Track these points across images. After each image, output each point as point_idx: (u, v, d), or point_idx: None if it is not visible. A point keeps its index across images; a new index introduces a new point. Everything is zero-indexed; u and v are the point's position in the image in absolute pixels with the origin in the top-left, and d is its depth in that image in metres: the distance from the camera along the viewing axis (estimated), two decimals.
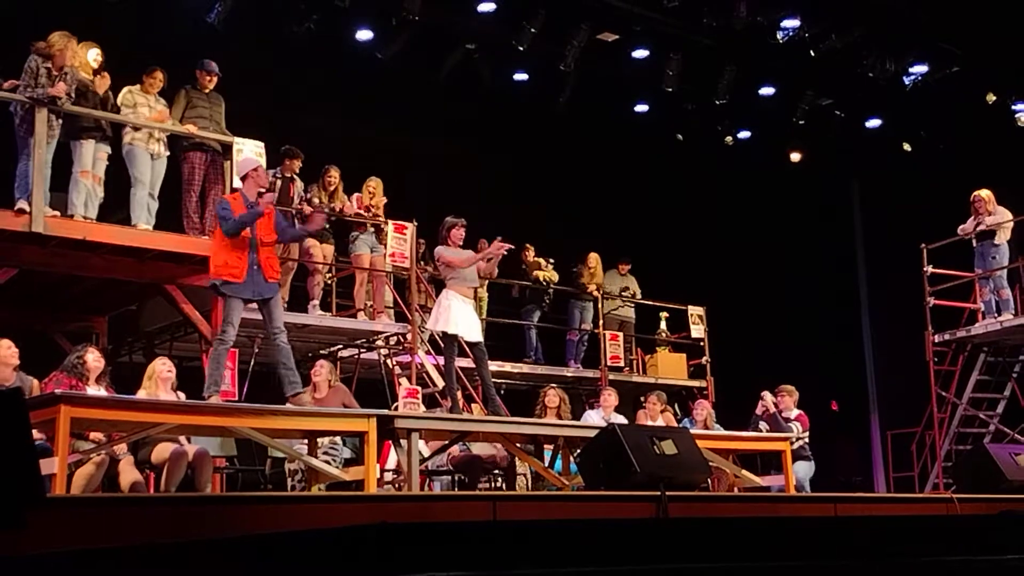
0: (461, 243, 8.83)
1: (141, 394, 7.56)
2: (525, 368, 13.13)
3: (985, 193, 11.94)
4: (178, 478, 7.29)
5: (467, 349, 8.93)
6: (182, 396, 7.76)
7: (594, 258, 13.90)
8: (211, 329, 9.02)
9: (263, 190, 7.83)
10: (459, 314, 8.53)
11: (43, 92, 8.17)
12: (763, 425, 10.13)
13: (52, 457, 6.02)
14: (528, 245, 13.72)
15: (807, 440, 10.18)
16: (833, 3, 12.96)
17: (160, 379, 7.63)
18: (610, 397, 10.48)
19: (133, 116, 8.96)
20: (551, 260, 13.83)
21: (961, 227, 12.09)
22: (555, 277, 13.69)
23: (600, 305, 13.75)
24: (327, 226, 11.03)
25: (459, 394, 9.15)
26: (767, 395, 10.26)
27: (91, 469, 6.99)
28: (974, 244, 12.07)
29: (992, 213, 11.85)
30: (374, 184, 11.34)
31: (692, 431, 9.23)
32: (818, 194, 17.05)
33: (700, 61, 13.87)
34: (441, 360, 11.14)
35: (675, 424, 10.92)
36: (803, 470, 10.02)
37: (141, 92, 9.11)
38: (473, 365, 9.16)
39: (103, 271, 8.86)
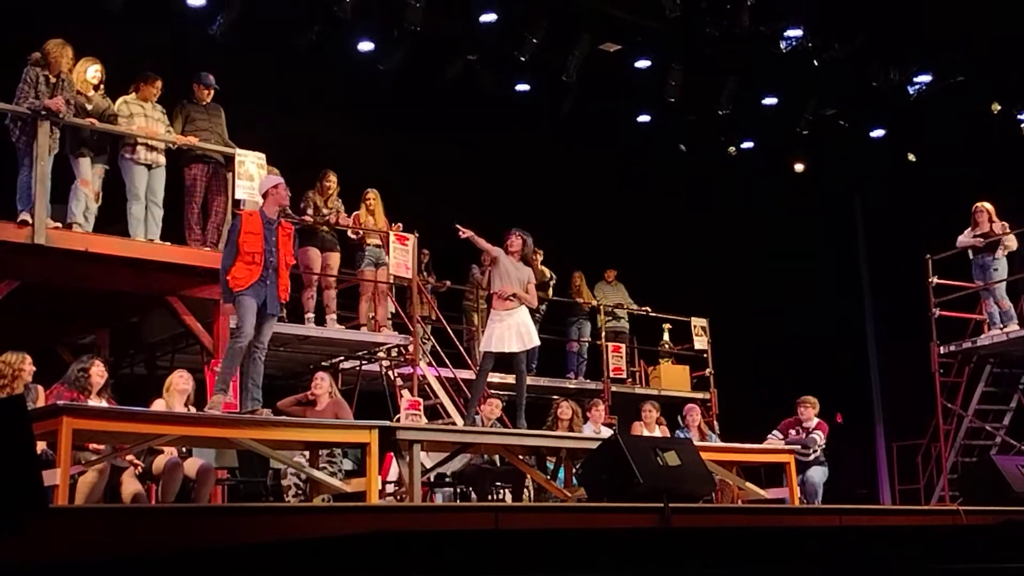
0: (515, 250, 8.82)
1: (159, 404, 7.59)
2: (527, 379, 13.05)
3: (989, 205, 11.90)
4: (174, 490, 7.29)
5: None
6: (193, 411, 7.79)
7: (578, 276, 14.04)
8: (212, 340, 9.01)
9: (284, 207, 7.87)
10: (497, 331, 8.64)
11: (40, 104, 8.17)
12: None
13: (54, 468, 5.99)
14: (537, 253, 13.66)
15: (824, 446, 10.25)
16: (836, 12, 12.96)
17: (176, 391, 7.67)
18: (595, 411, 10.52)
19: (132, 127, 8.94)
20: (554, 276, 13.68)
21: (964, 240, 12.01)
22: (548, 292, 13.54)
23: (600, 317, 13.74)
24: (332, 234, 10.98)
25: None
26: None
27: (93, 477, 6.99)
28: (971, 256, 12.01)
29: (994, 226, 11.79)
30: (372, 196, 11.28)
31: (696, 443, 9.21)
32: (821, 204, 17.03)
33: (702, 71, 13.87)
34: (442, 372, 11.18)
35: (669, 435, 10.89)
36: (818, 475, 10.12)
37: (137, 101, 9.08)
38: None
39: (105, 283, 8.84)
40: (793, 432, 10.26)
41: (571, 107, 14.21)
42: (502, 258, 8.73)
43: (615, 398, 13.10)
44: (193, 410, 7.73)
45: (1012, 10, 12.33)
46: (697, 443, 9.75)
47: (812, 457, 10.14)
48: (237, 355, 7.36)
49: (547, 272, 13.34)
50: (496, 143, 14.18)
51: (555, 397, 10.48)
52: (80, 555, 4.01)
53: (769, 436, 10.31)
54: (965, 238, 12.00)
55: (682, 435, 10.40)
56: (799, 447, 9.95)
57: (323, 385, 8.84)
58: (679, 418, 10.97)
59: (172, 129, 9.23)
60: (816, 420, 10.31)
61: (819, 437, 10.18)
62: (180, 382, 7.73)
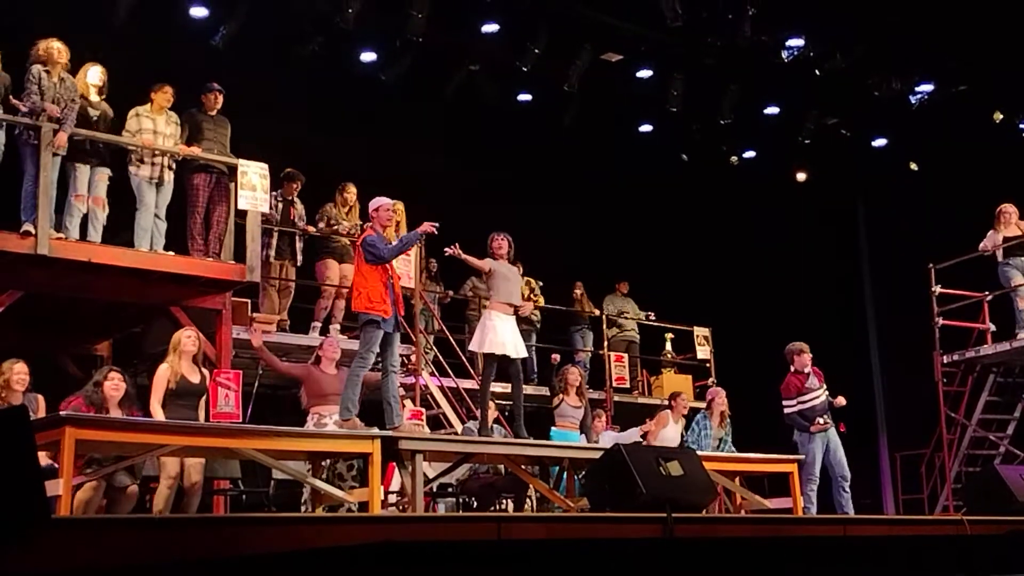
0: (503, 253, 8.74)
1: (164, 367, 7.60)
2: (529, 389, 13.03)
3: (1014, 207, 11.78)
4: (170, 497, 7.37)
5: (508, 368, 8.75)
6: (206, 373, 7.81)
7: (579, 286, 14.11)
8: (215, 351, 9.00)
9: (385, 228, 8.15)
10: (500, 333, 8.44)
11: (40, 103, 8.19)
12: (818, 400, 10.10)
13: (57, 479, 5.99)
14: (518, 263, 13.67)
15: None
16: (837, 22, 12.98)
17: (184, 351, 7.64)
18: (596, 422, 10.48)
19: (138, 141, 8.97)
20: (540, 283, 13.64)
21: (989, 242, 11.75)
22: (540, 301, 13.45)
23: (604, 327, 13.73)
24: (350, 245, 11.01)
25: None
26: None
27: (89, 493, 6.97)
28: (1000, 258, 11.74)
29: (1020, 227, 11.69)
30: (399, 208, 11.32)
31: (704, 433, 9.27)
32: (824, 213, 17.02)
33: (704, 81, 13.90)
34: (445, 382, 11.16)
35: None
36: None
37: (149, 114, 9.11)
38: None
39: (108, 293, 8.84)
40: (809, 386, 10.03)
41: (573, 117, 14.23)
42: (496, 265, 8.68)
43: (617, 408, 13.09)
44: (205, 371, 7.80)
45: (1013, 18, 12.34)
46: (714, 432, 9.80)
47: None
48: (360, 379, 7.59)
49: (532, 282, 13.41)
50: (498, 153, 14.18)
51: (573, 364, 10.46)
52: (83, 567, 4.01)
53: (786, 410, 10.04)
54: (990, 240, 11.74)
55: (702, 421, 10.15)
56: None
57: (334, 349, 8.65)
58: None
59: (179, 140, 9.26)
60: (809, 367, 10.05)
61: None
62: (188, 342, 7.68)
